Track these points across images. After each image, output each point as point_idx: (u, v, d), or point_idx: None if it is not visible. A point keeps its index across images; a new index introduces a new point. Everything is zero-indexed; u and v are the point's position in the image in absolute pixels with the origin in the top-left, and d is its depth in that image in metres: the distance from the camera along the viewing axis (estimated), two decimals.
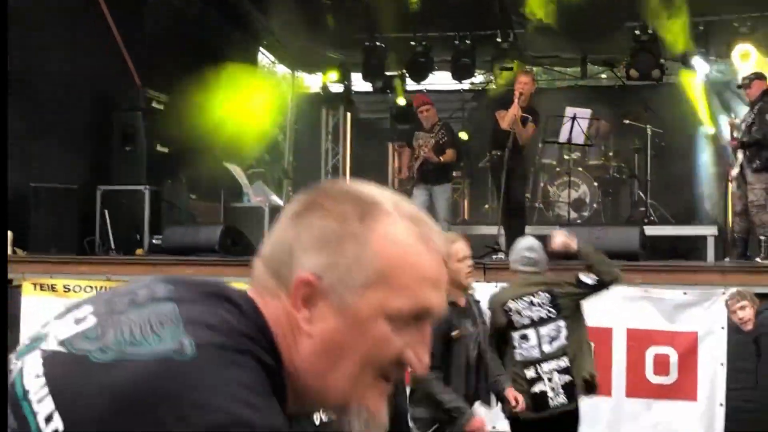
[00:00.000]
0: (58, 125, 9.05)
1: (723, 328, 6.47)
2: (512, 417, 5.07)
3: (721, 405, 6.42)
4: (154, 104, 10.07)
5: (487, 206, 11.62)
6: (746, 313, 5.61)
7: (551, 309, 5.04)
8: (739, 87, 8.78)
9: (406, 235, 1.19)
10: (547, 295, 5.06)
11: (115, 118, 9.85)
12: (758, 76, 8.72)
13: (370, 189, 1.23)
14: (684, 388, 6.59)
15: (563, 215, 10.10)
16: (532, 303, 5.06)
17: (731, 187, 8.66)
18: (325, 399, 1.20)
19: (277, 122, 13.47)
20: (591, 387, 5.12)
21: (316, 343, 1.17)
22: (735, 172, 8.45)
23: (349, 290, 1.16)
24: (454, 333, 4.58)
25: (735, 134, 8.42)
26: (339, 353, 1.17)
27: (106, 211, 9.31)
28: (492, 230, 9.66)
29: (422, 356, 1.20)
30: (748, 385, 6.04)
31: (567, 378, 5.01)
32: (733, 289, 5.84)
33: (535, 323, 5.04)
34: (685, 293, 6.66)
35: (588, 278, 5.08)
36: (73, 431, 1.07)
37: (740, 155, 8.38)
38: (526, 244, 5.35)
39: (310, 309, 1.17)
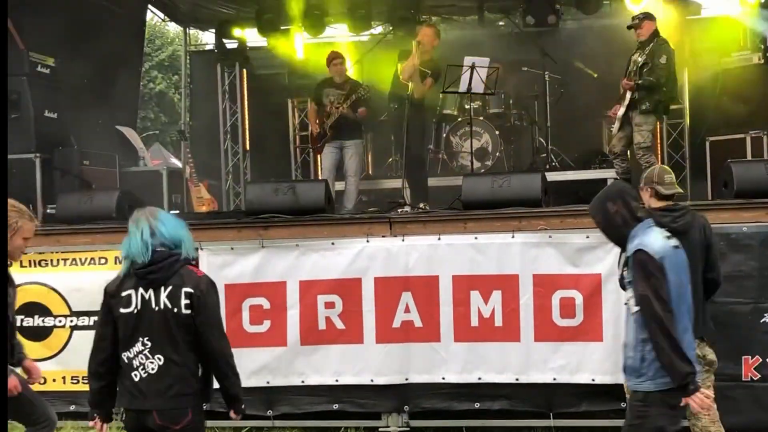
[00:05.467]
0: None
1: None
2: None
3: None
4: (40, 68, 9.64)
5: (390, 160, 11.58)
6: None
7: None
8: (629, 28, 8.78)
9: None
10: None
11: None
12: (648, 16, 8.75)
13: None
14: (590, 330, 6.68)
15: (467, 165, 10.12)
16: None
17: (613, 127, 8.73)
18: None
19: (172, 81, 13.11)
20: None
21: None
22: (621, 112, 8.52)
23: None
24: None
25: (630, 75, 8.49)
26: None
27: None
28: (396, 183, 9.63)
29: None
30: None
31: None
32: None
33: None
34: (587, 236, 6.72)
35: None
36: None
37: (628, 96, 8.47)
38: None
39: None
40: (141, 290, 4.18)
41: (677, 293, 4.42)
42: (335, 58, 9.89)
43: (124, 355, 4.20)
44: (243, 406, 4.37)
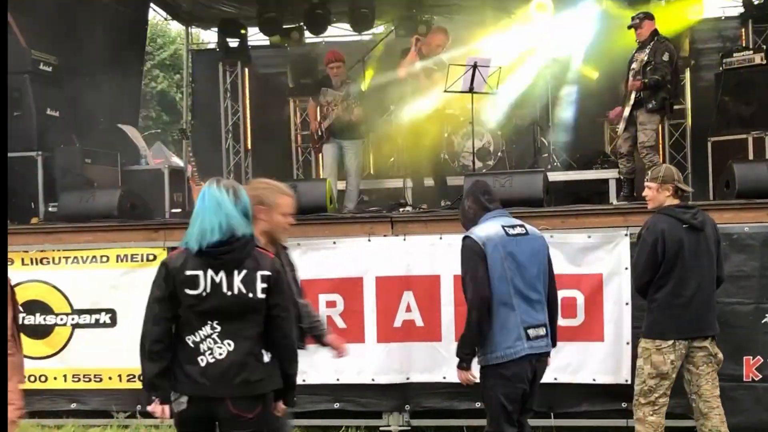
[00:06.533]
0: None
1: (627, 268, 6.58)
2: None
3: (628, 344, 6.55)
4: (42, 66, 9.63)
5: (392, 159, 11.57)
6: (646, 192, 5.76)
7: None
8: (630, 28, 8.77)
9: None
10: None
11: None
12: (647, 15, 8.76)
13: None
14: (591, 330, 6.69)
15: (468, 165, 10.12)
16: None
17: (619, 128, 8.74)
18: None
19: (173, 80, 13.09)
20: None
21: None
22: (626, 113, 8.52)
23: None
24: None
25: (634, 75, 8.47)
26: None
27: None
28: (398, 183, 9.62)
29: None
30: None
31: None
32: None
33: None
34: (589, 236, 6.74)
35: None
36: None
37: (633, 96, 8.46)
38: None
39: None
40: (211, 272, 3.92)
41: (500, 275, 4.89)
42: (332, 62, 9.73)
43: (189, 339, 3.95)
44: (295, 398, 4.17)
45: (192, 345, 3.95)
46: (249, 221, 4.02)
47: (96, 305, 7.39)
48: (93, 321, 7.37)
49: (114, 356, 7.25)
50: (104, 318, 7.36)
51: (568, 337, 6.69)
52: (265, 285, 3.95)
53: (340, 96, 9.56)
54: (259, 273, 3.95)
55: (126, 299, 7.18)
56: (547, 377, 6.62)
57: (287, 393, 4.15)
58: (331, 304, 6.98)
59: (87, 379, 7.40)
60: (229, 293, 3.93)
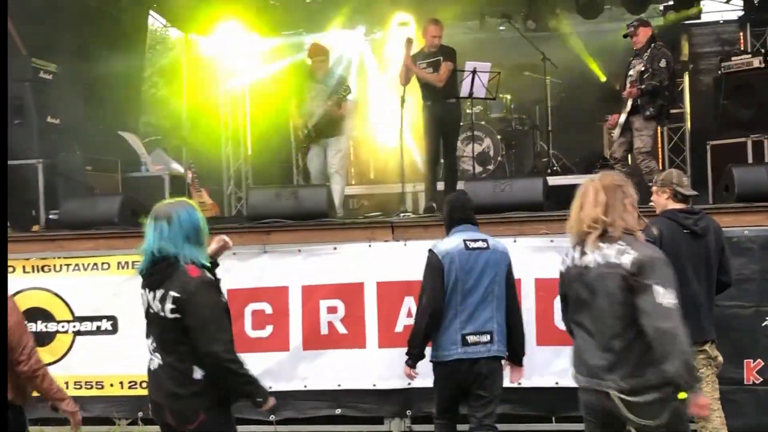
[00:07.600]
0: None
1: None
2: None
3: None
4: (42, 74, 9.64)
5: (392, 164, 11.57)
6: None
7: None
8: (626, 36, 8.78)
9: None
10: None
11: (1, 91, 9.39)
12: (643, 22, 8.77)
13: None
14: None
15: (468, 170, 10.13)
16: None
17: (614, 133, 8.75)
18: None
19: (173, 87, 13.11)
20: None
21: None
22: (622, 119, 8.53)
23: None
24: None
25: (631, 82, 8.47)
26: None
27: None
28: (397, 188, 9.61)
29: None
30: None
31: None
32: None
33: None
34: None
35: None
36: None
37: (629, 103, 8.47)
38: None
39: None
40: (146, 290, 4.24)
41: (453, 287, 5.38)
42: (317, 55, 9.59)
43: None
44: (260, 399, 4.24)
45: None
46: (192, 239, 4.15)
47: (97, 312, 7.40)
48: (94, 328, 7.38)
49: (115, 363, 7.25)
50: (106, 325, 7.37)
51: (569, 341, 6.64)
52: (173, 306, 4.09)
53: (325, 90, 9.44)
54: (170, 293, 4.10)
55: (127, 306, 7.17)
56: (548, 381, 6.70)
57: (251, 401, 4.27)
58: (332, 310, 6.99)
59: (89, 386, 7.40)
60: (152, 311, 4.21)
